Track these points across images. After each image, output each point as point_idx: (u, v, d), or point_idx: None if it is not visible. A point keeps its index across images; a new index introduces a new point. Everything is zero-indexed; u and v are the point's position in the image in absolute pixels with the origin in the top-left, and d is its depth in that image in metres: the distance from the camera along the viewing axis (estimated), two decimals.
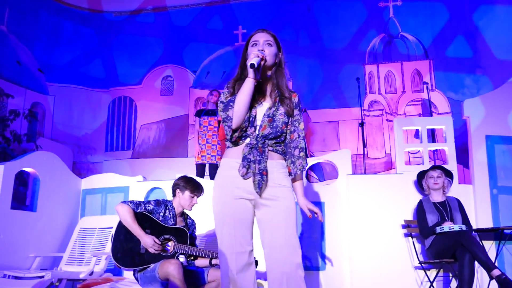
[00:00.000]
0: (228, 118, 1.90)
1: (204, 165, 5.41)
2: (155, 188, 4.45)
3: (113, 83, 7.30)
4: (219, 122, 5.27)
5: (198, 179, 3.62)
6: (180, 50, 7.28)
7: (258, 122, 1.96)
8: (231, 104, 1.90)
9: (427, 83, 6.45)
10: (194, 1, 7.39)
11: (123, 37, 7.46)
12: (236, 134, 1.93)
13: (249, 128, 1.94)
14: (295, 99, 2.05)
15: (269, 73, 2.00)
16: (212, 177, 5.40)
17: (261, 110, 1.98)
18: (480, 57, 6.34)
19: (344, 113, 6.54)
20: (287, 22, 6.92)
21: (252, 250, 1.92)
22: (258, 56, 1.87)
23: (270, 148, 1.96)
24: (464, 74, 6.39)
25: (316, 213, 2.07)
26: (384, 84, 6.79)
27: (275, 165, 1.96)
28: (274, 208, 1.89)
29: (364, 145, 5.64)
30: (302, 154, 2.01)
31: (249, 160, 1.89)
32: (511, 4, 6.42)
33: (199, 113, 5.56)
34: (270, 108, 1.97)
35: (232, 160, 1.94)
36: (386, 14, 6.84)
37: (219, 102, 1.97)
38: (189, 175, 3.28)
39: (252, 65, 1.82)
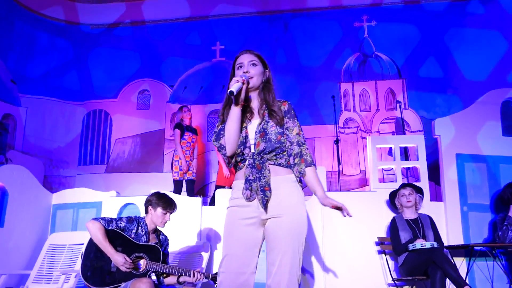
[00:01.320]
0: (222, 147, 1.92)
1: (182, 181, 5.34)
2: (128, 203, 4.38)
3: (88, 96, 7.10)
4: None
5: (173, 195, 3.61)
6: (157, 64, 7.00)
7: (252, 141, 1.95)
8: (222, 132, 1.93)
9: (400, 102, 6.44)
10: (173, 16, 7.24)
11: (99, 50, 7.24)
12: (233, 160, 1.96)
13: (244, 150, 1.95)
14: (285, 107, 2.02)
15: (256, 91, 2.02)
16: (189, 193, 5.34)
17: (252, 128, 1.98)
18: (451, 77, 6.42)
19: (320, 130, 6.46)
20: (265, 40, 6.88)
21: (254, 272, 1.89)
22: (238, 81, 1.87)
23: (271, 162, 1.93)
24: (436, 94, 6.43)
25: (340, 209, 1.99)
26: (359, 102, 6.79)
27: (281, 181, 1.92)
28: (277, 226, 1.86)
29: (339, 162, 5.68)
30: (297, 160, 1.95)
31: (250, 181, 1.88)
32: (479, 27, 6.56)
33: (182, 128, 5.43)
34: (260, 124, 1.96)
35: (239, 182, 1.96)
36: (361, 34, 6.89)
37: (213, 131, 2.00)
38: (162, 191, 3.23)
39: (231, 93, 1.82)
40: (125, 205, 4.35)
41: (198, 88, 6.86)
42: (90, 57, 7.38)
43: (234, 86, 1.82)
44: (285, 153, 1.96)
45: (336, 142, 5.73)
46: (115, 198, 4.39)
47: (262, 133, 1.92)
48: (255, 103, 2.00)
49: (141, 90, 6.92)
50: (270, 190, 1.84)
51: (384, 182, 5.26)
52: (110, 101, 6.94)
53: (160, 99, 6.97)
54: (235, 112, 1.88)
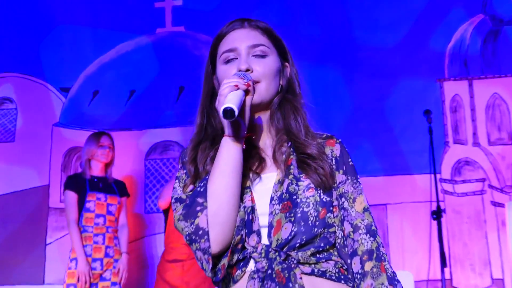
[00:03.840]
0: (197, 234, 0.92)
1: None
2: None
3: None
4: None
5: None
6: (33, 43, 3.92)
7: (263, 220, 0.97)
8: (200, 201, 0.93)
9: None
10: None
11: None
12: (223, 262, 0.94)
13: (247, 238, 0.96)
14: (334, 149, 1.04)
15: (266, 113, 1.04)
16: None
17: (263, 190, 0.99)
18: None
19: (398, 186, 3.49)
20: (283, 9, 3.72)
21: None
22: (238, 87, 0.91)
23: (306, 269, 0.96)
24: None
25: None
26: (487, 123, 3.48)
27: None
28: None
29: (443, 261, 3.06)
30: (369, 266, 0.97)
31: None
32: None
33: (83, 185, 3.07)
34: (280, 182, 0.98)
35: None
36: None
37: (172, 199, 1.02)
38: None
39: (229, 114, 0.88)
40: None
41: (125, 94, 3.84)
42: None
43: (230, 102, 0.88)
44: (335, 249, 1.01)
45: (437, 214, 3.14)
46: None
47: (287, 202, 0.97)
48: (265, 137, 1.05)
49: None
50: None
51: None
52: None
53: (39, 118, 3.99)
54: (233, 152, 0.94)
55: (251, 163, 1.00)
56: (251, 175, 0.99)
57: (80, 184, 2.99)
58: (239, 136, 0.93)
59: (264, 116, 1.02)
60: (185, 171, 1.00)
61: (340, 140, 1.07)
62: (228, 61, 1.01)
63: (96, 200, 2.98)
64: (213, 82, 1.04)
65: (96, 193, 2.98)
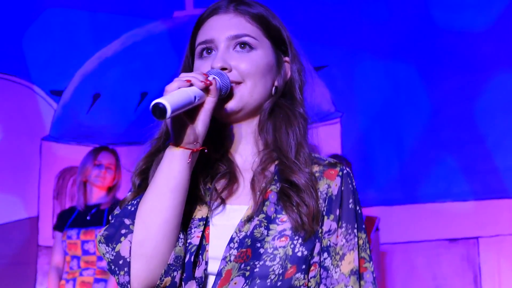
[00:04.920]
0: (117, 264, 0.89)
1: None
2: None
3: None
4: None
5: None
6: (14, 35, 3.61)
7: (214, 265, 0.91)
8: (126, 222, 0.91)
9: None
10: None
11: None
12: None
13: (183, 283, 0.90)
14: (333, 183, 0.94)
15: (252, 122, 0.97)
16: None
17: (223, 226, 0.93)
18: None
19: (493, 213, 3.08)
20: None
21: None
22: (192, 84, 0.86)
23: None
24: None
25: None
26: None
27: None
28: None
29: None
30: None
31: None
32: None
33: (64, 222, 2.83)
34: (248, 220, 0.91)
35: None
36: None
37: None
38: None
39: (158, 112, 0.80)
40: None
41: (134, 98, 3.54)
42: None
43: (173, 95, 0.83)
44: None
45: None
46: None
47: (247, 250, 0.91)
48: (246, 153, 0.98)
49: None
50: None
51: None
52: None
53: (23, 130, 3.70)
54: (176, 167, 0.88)
55: (218, 185, 0.92)
56: (213, 202, 0.91)
57: (65, 221, 2.79)
58: (187, 147, 0.85)
59: (250, 126, 0.94)
60: (132, 182, 0.96)
61: (347, 170, 0.95)
62: (203, 55, 0.93)
63: (66, 240, 2.73)
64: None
65: (68, 230, 2.72)
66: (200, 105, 0.84)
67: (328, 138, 2.86)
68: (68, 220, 2.77)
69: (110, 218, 0.93)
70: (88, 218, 2.77)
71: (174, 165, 0.84)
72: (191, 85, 0.82)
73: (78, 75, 3.43)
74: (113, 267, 0.86)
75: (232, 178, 0.92)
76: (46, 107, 3.44)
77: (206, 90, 0.83)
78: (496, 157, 3.05)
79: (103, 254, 0.87)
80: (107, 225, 0.89)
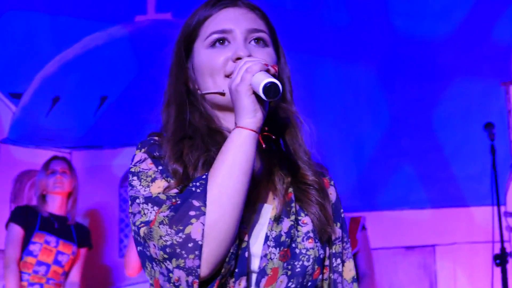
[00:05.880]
0: (185, 247, 0.82)
1: None
2: None
3: None
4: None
5: None
6: None
7: (254, 262, 0.89)
8: (195, 204, 0.84)
9: None
10: None
11: None
12: None
13: (233, 278, 0.87)
14: (329, 190, 0.97)
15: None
16: None
17: (255, 224, 0.92)
18: None
19: (449, 221, 3.09)
20: None
21: None
22: (269, 69, 0.85)
23: None
24: None
25: None
26: None
27: None
28: None
29: None
30: None
31: None
32: None
33: (26, 217, 2.79)
34: (277, 220, 0.90)
35: None
36: None
37: (131, 198, 0.92)
38: None
39: (272, 91, 0.79)
40: None
41: (94, 101, 3.46)
42: None
43: (267, 76, 0.81)
44: None
45: (501, 259, 2.75)
46: None
47: (287, 249, 0.91)
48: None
49: None
50: None
51: None
52: None
53: None
54: (247, 150, 0.85)
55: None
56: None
57: (30, 219, 2.72)
58: (257, 131, 0.84)
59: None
60: (159, 168, 0.88)
61: (332, 180, 0.99)
62: (216, 45, 0.91)
63: (43, 244, 2.71)
64: (187, 72, 0.95)
65: (46, 235, 2.71)
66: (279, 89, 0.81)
67: None
68: (36, 222, 2.74)
69: (141, 200, 0.87)
70: (56, 226, 2.76)
71: (248, 148, 0.82)
72: (267, 70, 0.80)
73: (38, 78, 3.37)
74: (177, 250, 0.80)
75: (253, 178, 0.88)
76: (4, 109, 3.35)
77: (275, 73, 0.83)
78: (454, 165, 3.05)
79: (160, 236, 0.82)
80: (169, 206, 0.84)
